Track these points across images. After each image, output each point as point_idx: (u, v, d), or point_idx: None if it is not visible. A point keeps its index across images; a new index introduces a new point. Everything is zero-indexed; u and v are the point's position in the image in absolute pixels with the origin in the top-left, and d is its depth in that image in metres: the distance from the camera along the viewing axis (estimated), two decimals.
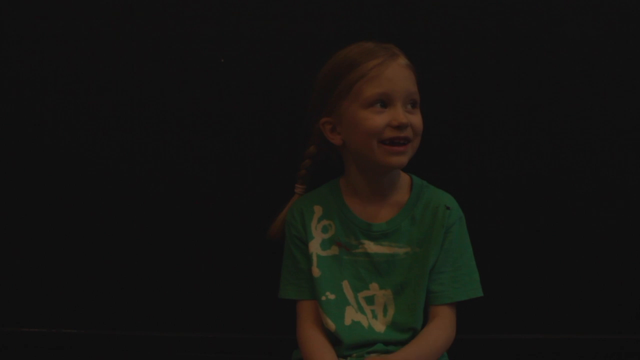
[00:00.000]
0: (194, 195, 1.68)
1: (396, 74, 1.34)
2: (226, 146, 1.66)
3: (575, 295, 1.68)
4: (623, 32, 1.61)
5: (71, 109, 1.67)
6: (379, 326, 1.39)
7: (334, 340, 1.40)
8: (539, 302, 1.68)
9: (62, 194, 1.69)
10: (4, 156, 1.69)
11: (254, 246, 1.67)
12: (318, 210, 1.45)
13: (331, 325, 1.38)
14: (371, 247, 1.41)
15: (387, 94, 1.34)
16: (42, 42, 1.65)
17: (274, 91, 1.65)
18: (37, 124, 1.67)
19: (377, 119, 1.34)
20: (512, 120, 1.64)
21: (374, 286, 1.41)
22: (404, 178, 1.45)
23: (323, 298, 1.40)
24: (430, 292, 1.40)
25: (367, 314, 1.40)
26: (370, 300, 1.41)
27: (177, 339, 1.71)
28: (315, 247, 1.42)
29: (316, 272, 1.41)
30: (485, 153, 1.65)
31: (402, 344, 1.37)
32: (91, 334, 1.71)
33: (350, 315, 1.40)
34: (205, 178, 1.68)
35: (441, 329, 1.38)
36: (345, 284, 1.41)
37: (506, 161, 1.65)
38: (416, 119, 1.36)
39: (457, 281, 1.40)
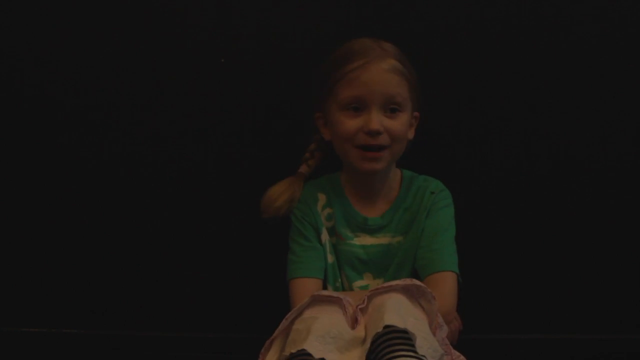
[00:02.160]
0: (194, 195, 1.68)
1: (374, 77, 1.34)
2: (226, 146, 1.66)
3: (575, 295, 1.67)
4: (624, 32, 1.61)
5: (71, 109, 1.67)
6: None
7: None
8: (539, 302, 1.68)
9: (62, 193, 1.68)
10: (3, 156, 1.69)
11: (254, 246, 1.67)
12: (322, 198, 1.47)
13: None
14: (367, 239, 1.44)
15: (362, 97, 1.34)
16: (41, 42, 1.65)
17: (274, 91, 1.64)
18: (35, 123, 1.67)
19: (349, 124, 1.35)
20: (512, 119, 1.64)
21: (368, 276, 1.44)
22: (395, 173, 1.47)
23: (337, 284, 1.44)
24: (415, 269, 1.42)
25: None
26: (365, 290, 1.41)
27: (177, 339, 1.71)
28: (325, 235, 1.44)
29: (330, 258, 1.44)
30: (486, 153, 1.65)
31: None
32: (91, 334, 1.71)
33: None
34: (205, 178, 1.68)
35: None
36: (342, 274, 1.45)
37: (506, 160, 1.65)
38: (395, 124, 1.36)
39: (435, 256, 1.39)
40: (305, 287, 1.40)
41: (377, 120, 1.34)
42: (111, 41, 1.65)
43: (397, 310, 1.15)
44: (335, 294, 1.23)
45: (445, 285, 1.36)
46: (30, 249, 1.70)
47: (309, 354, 1.11)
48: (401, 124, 1.37)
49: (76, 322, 1.71)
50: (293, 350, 1.13)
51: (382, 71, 1.35)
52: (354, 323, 1.19)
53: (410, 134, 1.43)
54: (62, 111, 1.67)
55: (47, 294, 1.71)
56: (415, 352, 1.10)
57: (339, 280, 1.44)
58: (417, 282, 1.22)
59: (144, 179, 1.68)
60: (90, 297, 1.71)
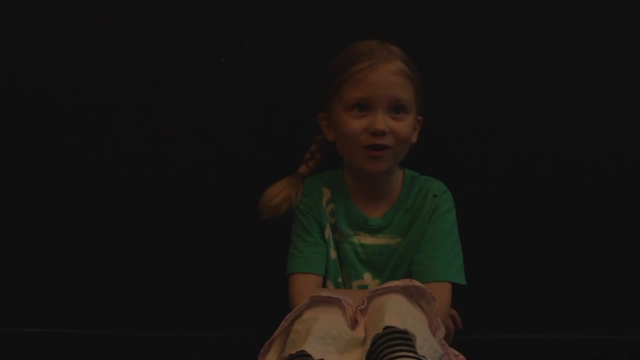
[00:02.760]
0: (194, 195, 1.68)
1: (381, 79, 1.34)
2: (226, 146, 1.66)
3: (575, 295, 1.68)
4: (624, 32, 1.61)
5: (71, 109, 1.67)
6: None
7: None
8: (539, 302, 1.68)
9: (62, 193, 1.68)
10: (3, 156, 1.69)
11: (254, 246, 1.67)
12: (326, 193, 1.47)
13: None
14: (367, 239, 1.44)
15: (368, 98, 1.35)
16: (41, 42, 1.65)
17: (274, 91, 1.64)
18: (35, 123, 1.67)
19: (354, 124, 1.35)
20: (512, 119, 1.64)
21: (367, 276, 1.45)
22: (398, 173, 1.47)
23: (339, 280, 1.44)
24: (411, 273, 1.41)
25: None
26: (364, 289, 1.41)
27: (177, 339, 1.71)
28: (329, 231, 1.45)
29: (333, 254, 1.44)
30: (486, 153, 1.65)
31: None
32: (91, 334, 1.71)
33: None
34: (205, 178, 1.68)
35: None
36: (343, 273, 1.45)
37: (506, 160, 1.65)
38: (400, 126, 1.36)
39: (434, 264, 1.39)
40: (305, 282, 1.40)
41: (382, 120, 1.34)
42: (111, 41, 1.64)
43: (397, 311, 1.15)
44: (334, 294, 1.23)
45: (439, 297, 1.32)
46: (30, 249, 1.70)
47: (309, 355, 1.11)
48: (406, 125, 1.37)
49: (76, 322, 1.71)
50: (292, 352, 1.13)
51: (388, 73, 1.35)
52: (353, 324, 1.19)
53: (414, 138, 1.43)
54: (62, 111, 1.67)
55: (47, 294, 1.71)
56: (415, 352, 1.10)
57: (341, 277, 1.44)
58: (417, 283, 1.22)
59: (144, 179, 1.68)
60: (90, 297, 1.71)
